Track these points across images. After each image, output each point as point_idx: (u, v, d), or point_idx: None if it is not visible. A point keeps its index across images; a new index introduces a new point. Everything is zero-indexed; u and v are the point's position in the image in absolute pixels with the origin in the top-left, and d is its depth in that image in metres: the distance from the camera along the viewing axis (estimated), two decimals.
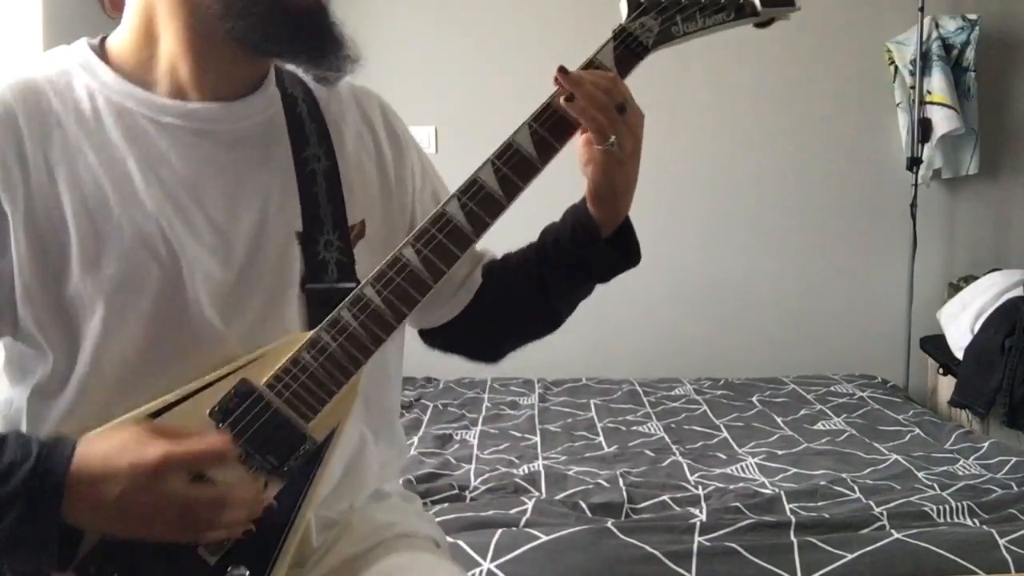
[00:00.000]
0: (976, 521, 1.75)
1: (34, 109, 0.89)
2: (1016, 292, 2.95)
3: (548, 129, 0.94)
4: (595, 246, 1.02)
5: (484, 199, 0.92)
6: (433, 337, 1.15)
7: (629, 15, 0.98)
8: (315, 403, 0.88)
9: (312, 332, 0.89)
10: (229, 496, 0.83)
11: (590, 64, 0.97)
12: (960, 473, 2.10)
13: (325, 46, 0.92)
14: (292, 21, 0.89)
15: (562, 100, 0.93)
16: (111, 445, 0.80)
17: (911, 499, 1.87)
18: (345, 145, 1.01)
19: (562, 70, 0.93)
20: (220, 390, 0.87)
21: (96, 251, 0.87)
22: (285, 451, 0.87)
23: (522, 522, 1.74)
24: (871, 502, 1.86)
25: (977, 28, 3.27)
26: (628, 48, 0.97)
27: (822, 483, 1.99)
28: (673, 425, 2.62)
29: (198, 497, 0.82)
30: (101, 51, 0.95)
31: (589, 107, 0.93)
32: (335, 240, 0.96)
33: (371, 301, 0.89)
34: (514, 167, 0.93)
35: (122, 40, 0.95)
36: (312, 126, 0.99)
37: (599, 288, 1.10)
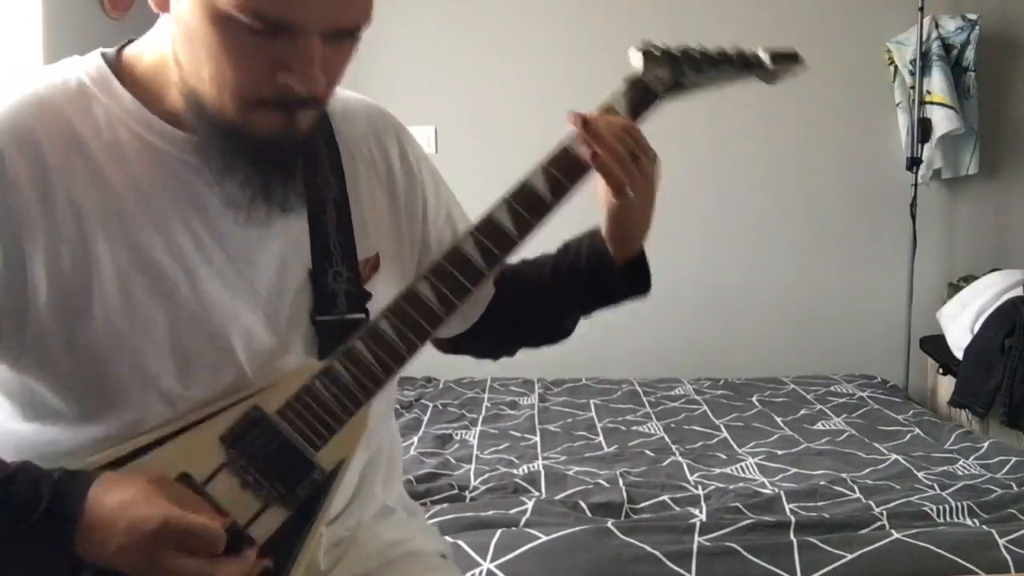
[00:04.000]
0: (976, 521, 1.76)
1: (57, 135, 0.84)
2: (1016, 292, 2.95)
3: (563, 172, 0.96)
4: (610, 278, 1.05)
5: (498, 237, 0.93)
6: (442, 344, 1.15)
7: (643, 65, 1.01)
8: (325, 432, 0.87)
9: (325, 361, 0.89)
10: (225, 564, 0.81)
11: (603, 109, 0.99)
12: (960, 473, 2.10)
13: (274, 178, 0.88)
14: (247, 152, 0.85)
15: (590, 157, 0.95)
16: (115, 500, 0.79)
17: (911, 499, 1.87)
18: (358, 174, 0.99)
19: (583, 122, 0.95)
20: (232, 416, 0.86)
21: (120, 291, 0.85)
22: (292, 479, 0.87)
23: (522, 522, 1.74)
24: (871, 502, 1.86)
25: (977, 28, 3.27)
26: (640, 97, 1.00)
27: (822, 483, 1.99)
28: (673, 425, 2.62)
29: (193, 565, 0.80)
30: (117, 65, 0.90)
31: (608, 162, 0.94)
32: (344, 271, 0.95)
33: (385, 332, 0.89)
34: (528, 207, 0.94)
35: (140, 60, 0.90)
36: (325, 152, 0.97)
37: None
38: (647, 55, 1.01)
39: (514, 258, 1.01)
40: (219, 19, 0.78)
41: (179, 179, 0.88)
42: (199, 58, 0.81)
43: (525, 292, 1.11)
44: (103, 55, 0.91)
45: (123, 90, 0.88)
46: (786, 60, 1.07)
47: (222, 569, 0.81)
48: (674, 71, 1.01)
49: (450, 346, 1.16)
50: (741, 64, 1.05)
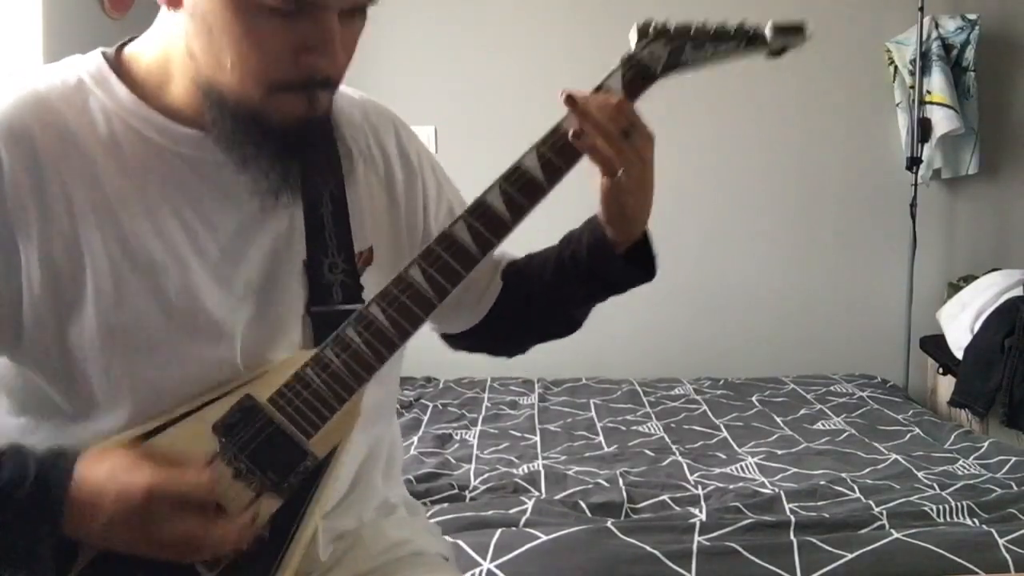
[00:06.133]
0: (976, 521, 1.76)
1: (52, 131, 0.86)
2: (1016, 292, 2.95)
3: (556, 153, 0.94)
4: (611, 264, 1.02)
5: (490, 220, 0.92)
6: (455, 340, 1.15)
7: (638, 43, 0.98)
8: (316, 419, 0.88)
9: (317, 349, 0.89)
10: (217, 524, 0.83)
11: (599, 89, 0.96)
12: (960, 473, 2.10)
13: (305, 163, 0.90)
14: (270, 139, 0.86)
15: (570, 137, 0.93)
16: (102, 470, 0.80)
17: (911, 499, 1.87)
18: (355, 169, 1.00)
19: (570, 99, 0.93)
20: (224, 405, 0.87)
21: (112, 284, 0.85)
22: (285, 468, 0.87)
23: (522, 522, 1.74)
24: (871, 502, 1.86)
25: (977, 28, 3.27)
26: (636, 75, 0.97)
27: (822, 483, 1.99)
28: (673, 425, 2.62)
29: (185, 527, 0.81)
30: (117, 62, 0.91)
31: (595, 139, 0.92)
32: (340, 263, 0.95)
33: (376, 319, 0.89)
34: (521, 189, 0.92)
35: (141, 57, 0.91)
36: (322, 146, 0.96)
37: None
38: (642, 32, 0.98)
39: (520, 251, 0.99)
40: (241, 4, 0.80)
41: (174, 172, 0.89)
42: (220, 48, 0.82)
43: (531, 285, 1.09)
44: (103, 53, 0.92)
45: (121, 85, 0.89)
46: (790, 33, 1.00)
47: (215, 530, 0.83)
48: (671, 48, 0.97)
49: (464, 343, 1.15)
50: (741, 38, 0.99)
